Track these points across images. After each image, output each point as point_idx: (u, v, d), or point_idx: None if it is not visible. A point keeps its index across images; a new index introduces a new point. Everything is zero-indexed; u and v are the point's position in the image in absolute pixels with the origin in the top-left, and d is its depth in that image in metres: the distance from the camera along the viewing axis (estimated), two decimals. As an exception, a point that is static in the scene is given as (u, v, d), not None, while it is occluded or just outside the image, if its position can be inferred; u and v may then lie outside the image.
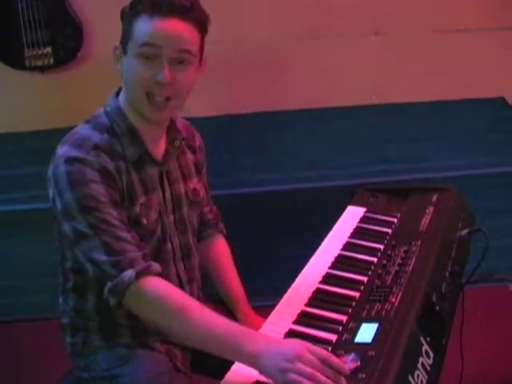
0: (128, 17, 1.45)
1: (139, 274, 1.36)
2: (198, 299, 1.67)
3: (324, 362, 1.19)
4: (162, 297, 1.36)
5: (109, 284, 1.38)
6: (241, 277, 1.77)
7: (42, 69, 2.46)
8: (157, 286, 1.38)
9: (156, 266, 1.40)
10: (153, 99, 1.45)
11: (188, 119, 1.75)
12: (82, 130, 1.49)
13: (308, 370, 1.17)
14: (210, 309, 1.36)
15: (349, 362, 1.20)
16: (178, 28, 1.43)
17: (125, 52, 1.46)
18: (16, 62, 2.44)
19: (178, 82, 1.44)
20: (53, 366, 2.04)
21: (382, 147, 2.65)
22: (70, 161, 1.41)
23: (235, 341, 1.27)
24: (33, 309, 2.64)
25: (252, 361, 1.24)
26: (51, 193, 1.45)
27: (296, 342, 1.24)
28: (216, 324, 1.31)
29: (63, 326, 1.61)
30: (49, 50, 2.43)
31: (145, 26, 1.42)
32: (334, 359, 1.20)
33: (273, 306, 1.50)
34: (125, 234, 1.40)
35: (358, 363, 1.20)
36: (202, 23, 1.47)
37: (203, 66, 1.53)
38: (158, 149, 1.56)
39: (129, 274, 1.36)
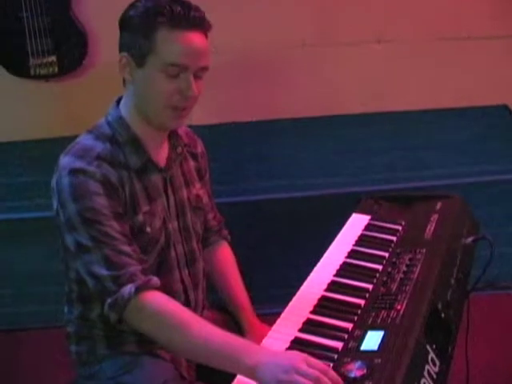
0: (144, 28, 1.42)
1: (138, 289, 1.36)
2: (203, 307, 1.68)
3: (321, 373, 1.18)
4: (161, 311, 1.36)
5: (108, 300, 1.38)
6: (245, 284, 1.76)
7: (47, 77, 2.47)
8: (156, 300, 1.37)
9: (155, 281, 1.40)
10: (176, 110, 1.46)
11: (191, 127, 1.75)
12: (85, 140, 1.50)
13: (305, 382, 1.17)
14: (209, 321, 1.36)
15: (355, 370, 1.20)
16: (201, 44, 1.44)
17: (141, 64, 1.44)
18: (21, 70, 2.45)
19: (198, 93, 1.47)
20: (56, 375, 2.05)
21: (386, 155, 2.65)
22: (73, 172, 1.41)
23: (234, 354, 1.27)
24: (36, 318, 2.64)
25: (251, 373, 1.24)
26: (55, 204, 1.46)
27: (294, 354, 1.23)
28: (215, 337, 1.31)
29: (68, 334, 1.61)
30: (53, 58, 2.44)
31: (170, 43, 1.41)
32: (331, 372, 1.19)
33: (277, 314, 1.49)
34: (126, 248, 1.40)
35: (365, 371, 1.20)
36: (209, 31, 1.48)
37: None
38: (161, 156, 1.57)
39: (128, 289, 1.36)
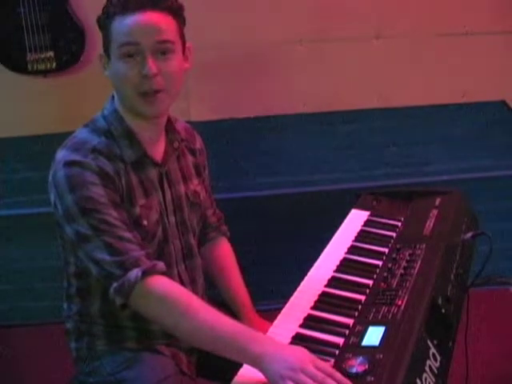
0: (103, 22, 1.47)
1: (145, 274, 1.36)
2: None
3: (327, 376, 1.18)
4: (167, 296, 1.36)
5: (114, 284, 1.37)
6: (245, 280, 1.76)
7: (45, 73, 2.45)
8: (163, 285, 1.37)
9: (161, 265, 1.40)
10: (146, 95, 1.45)
11: (190, 123, 1.75)
12: (80, 133, 1.50)
13: (309, 382, 1.16)
14: (216, 309, 1.35)
15: (357, 366, 1.20)
16: (152, 20, 1.44)
17: (109, 57, 1.48)
18: (18, 66, 2.43)
19: (164, 72, 1.45)
20: (54, 372, 2.04)
21: (385, 151, 2.65)
22: (68, 164, 1.41)
23: (241, 341, 1.27)
24: (34, 314, 2.64)
25: (256, 362, 1.24)
26: (52, 197, 1.46)
27: (302, 353, 1.23)
28: (222, 324, 1.31)
29: (68, 331, 1.60)
30: (51, 54, 2.43)
31: (120, 27, 1.43)
32: (338, 375, 1.18)
33: (277, 310, 1.49)
34: (126, 234, 1.40)
35: (366, 366, 1.19)
36: (174, 10, 1.48)
37: (189, 55, 1.54)
38: (157, 150, 1.56)
39: (135, 273, 1.36)
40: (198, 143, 1.73)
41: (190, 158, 1.67)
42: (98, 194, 1.40)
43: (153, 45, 1.44)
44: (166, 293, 1.36)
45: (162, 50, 1.45)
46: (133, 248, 1.39)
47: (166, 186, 1.57)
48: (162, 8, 1.45)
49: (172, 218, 1.58)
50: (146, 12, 1.44)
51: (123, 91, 1.48)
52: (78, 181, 1.40)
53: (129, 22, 1.43)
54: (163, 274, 1.40)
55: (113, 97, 1.55)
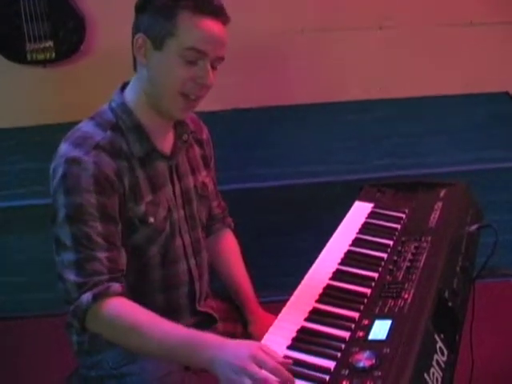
0: (167, 9, 1.39)
1: (96, 297, 1.34)
2: (207, 295, 1.66)
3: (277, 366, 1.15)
4: (115, 316, 1.34)
5: (71, 307, 1.36)
6: (248, 272, 1.75)
7: (44, 63, 2.43)
8: (111, 306, 1.34)
9: (115, 287, 1.36)
10: (187, 99, 1.44)
11: (195, 113, 1.72)
12: (85, 126, 1.47)
13: (260, 373, 1.14)
14: (162, 318, 1.32)
15: (364, 360, 1.18)
16: (222, 33, 1.42)
17: (159, 47, 1.41)
18: (18, 55, 2.41)
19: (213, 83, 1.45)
20: (55, 365, 2.03)
21: (388, 142, 2.64)
22: (68, 162, 1.38)
23: (189, 349, 1.25)
24: (34, 306, 2.63)
25: (208, 367, 1.21)
26: (50, 189, 1.43)
27: (246, 348, 1.19)
28: (169, 335, 1.28)
29: (69, 324, 1.58)
30: (51, 43, 2.40)
31: (193, 28, 1.39)
32: (282, 371, 1.15)
33: (280, 302, 1.48)
34: (102, 254, 1.37)
35: (374, 361, 1.18)
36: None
37: None
38: (166, 143, 1.54)
39: (86, 297, 1.34)
40: (205, 134, 1.71)
41: (197, 150, 1.65)
42: (89, 203, 1.37)
43: (215, 58, 1.43)
44: (113, 313, 1.34)
45: (216, 64, 1.45)
46: (100, 271, 1.36)
47: (175, 179, 1.55)
48: (226, 21, 1.44)
49: (181, 212, 1.56)
50: (218, 21, 1.41)
51: (163, 87, 1.43)
52: (73, 183, 1.37)
53: (204, 27, 1.39)
54: (120, 294, 1.36)
55: (121, 89, 1.51)
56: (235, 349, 1.20)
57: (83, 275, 1.35)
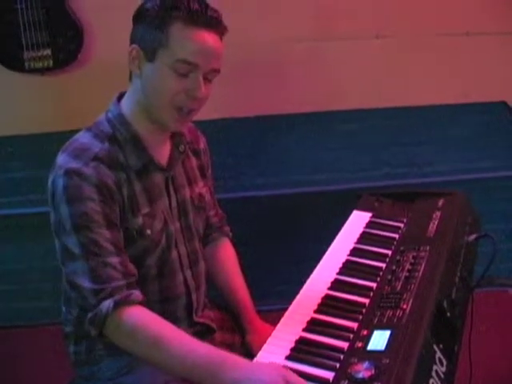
0: (159, 20, 1.38)
1: (117, 305, 1.33)
2: (204, 306, 1.65)
3: None
4: (139, 327, 1.32)
5: (89, 314, 1.35)
6: (246, 281, 1.74)
7: (42, 71, 2.42)
8: (134, 316, 1.33)
9: (136, 295, 1.35)
10: (180, 111, 1.43)
11: (192, 122, 1.72)
12: (83, 138, 1.46)
13: None
14: (185, 333, 1.32)
15: (363, 371, 1.18)
16: (215, 45, 1.40)
17: (151, 58, 1.40)
18: (15, 64, 2.40)
19: (203, 96, 1.43)
20: (52, 375, 2.02)
21: (386, 151, 2.63)
22: (68, 173, 1.37)
23: (215, 369, 1.22)
24: (32, 315, 2.61)
25: None
26: (49, 202, 1.42)
27: (273, 371, 1.18)
28: (195, 353, 1.26)
29: (67, 334, 1.58)
30: (48, 52, 2.40)
31: (184, 39, 1.37)
32: None
33: (278, 311, 1.47)
34: (113, 259, 1.36)
35: (373, 371, 1.17)
36: (223, 36, 1.45)
37: None
38: (163, 154, 1.53)
39: (107, 304, 1.33)
40: (202, 143, 1.70)
41: (194, 160, 1.65)
42: (93, 211, 1.36)
43: (208, 71, 1.41)
44: (136, 324, 1.32)
45: (211, 77, 1.44)
46: (115, 276, 1.35)
47: (171, 191, 1.54)
48: (221, 33, 1.43)
49: (177, 224, 1.55)
50: (211, 32, 1.39)
51: (156, 99, 1.42)
52: (75, 194, 1.36)
53: (196, 39, 1.37)
54: (139, 303, 1.35)
55: (118, 99, 1.51)
56: (265, 369, 1.20)
57: (99, 282, 1.34)
